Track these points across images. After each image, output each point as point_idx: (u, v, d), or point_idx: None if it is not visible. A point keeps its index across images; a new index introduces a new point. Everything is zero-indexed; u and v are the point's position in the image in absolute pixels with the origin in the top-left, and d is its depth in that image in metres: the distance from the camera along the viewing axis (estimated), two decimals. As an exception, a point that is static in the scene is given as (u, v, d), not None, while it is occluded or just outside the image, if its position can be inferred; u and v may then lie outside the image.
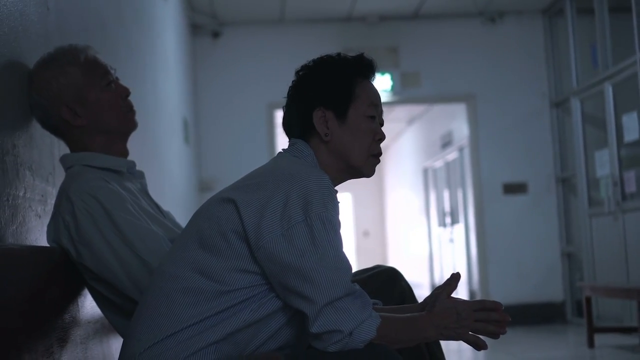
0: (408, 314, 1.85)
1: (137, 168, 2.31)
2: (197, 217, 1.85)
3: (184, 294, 1.75)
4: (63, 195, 2.08)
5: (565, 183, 8.19)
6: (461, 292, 11.17)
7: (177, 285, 1.76)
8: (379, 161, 1.97)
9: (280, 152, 1.94)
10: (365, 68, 1.95)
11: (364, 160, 1.92)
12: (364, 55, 1.96)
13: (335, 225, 1.76)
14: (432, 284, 13.47)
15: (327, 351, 1.70)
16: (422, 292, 13.45)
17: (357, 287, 1.76)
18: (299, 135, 1.93)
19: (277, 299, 1.76)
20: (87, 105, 2.16)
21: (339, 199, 1.81)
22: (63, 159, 2.20)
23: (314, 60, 1.96)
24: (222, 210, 1.78)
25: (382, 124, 1.96)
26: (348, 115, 1.90)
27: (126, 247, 2.02)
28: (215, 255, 1.75)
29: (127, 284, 2.03)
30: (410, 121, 13.82)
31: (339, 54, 1.97)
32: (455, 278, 1.90)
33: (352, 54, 1.98)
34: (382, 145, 1.98)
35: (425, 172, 13.38)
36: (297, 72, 1.97)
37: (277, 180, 1.77)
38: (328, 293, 1.69)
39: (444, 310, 1.80)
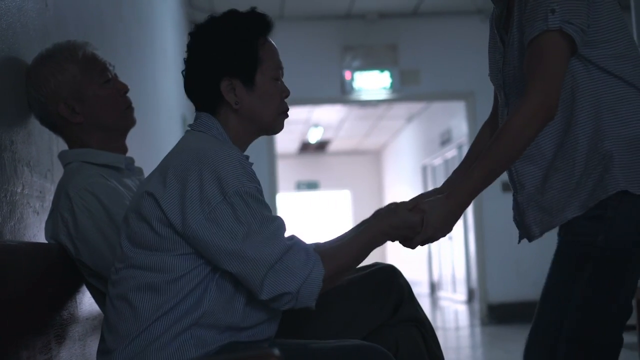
0: (363, 231, 1.91)
1: (136, 165, 2.31)
2: (127, 217, 1.84)
3: (140, 292, 1.76)
4: (61, 192, 2.07)
5: (564, 181, 8.19)
6: (460, 291, 11.18)
7: (130, 285, 1.77)
8: (287, 116, 1.97)
9: (187, 130, 1.93)
10: (264, 25, 1.93)
11: (274, 120, 1.93)
12: (258, 11, 1.94)
13: (255, 194, 1.76)
14: (431, 282, 13.48)
15: (282, 310, 1.76)
16: (421, 290, 13.45)
17: (294, 239, 1.78)
18: (206, 106, 1.91)
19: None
20: (85, 102, 2.15)
21: (249, 164, 1.80)
22: (61, 156, 2.20)
23: (209, 23, 1.91)
24: (146, 206, 1.77)
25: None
26: (255, 81, 1.89)
27: None
28: (153, 249, 1.76)
29: None
30: (409, 118, 13.82)
31: (232, 12, 1.92)
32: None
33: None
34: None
35: (424, 169, 13.38)
36: (191, 34, 1.92)
37: (187, 164, 1.76)
38: (263, 263, 1.71)
39: (399, 226, 1.92)
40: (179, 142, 1.91)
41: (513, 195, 2.07)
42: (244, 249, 1.71)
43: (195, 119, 1.93)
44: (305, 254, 1.75)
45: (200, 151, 1.77)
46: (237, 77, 1.88)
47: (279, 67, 1.94)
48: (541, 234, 2.01)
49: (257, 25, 1.92)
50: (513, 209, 2.09)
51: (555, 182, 1.94)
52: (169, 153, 1.87)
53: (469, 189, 1.92)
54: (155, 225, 1.75)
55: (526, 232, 2.04)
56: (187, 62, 1.92)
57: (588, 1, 1.88)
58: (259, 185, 1.78)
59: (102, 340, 1.83)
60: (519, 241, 2.11)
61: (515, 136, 1.89)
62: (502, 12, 2.11)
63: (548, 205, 1.96)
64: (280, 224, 1.78)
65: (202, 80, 1.90)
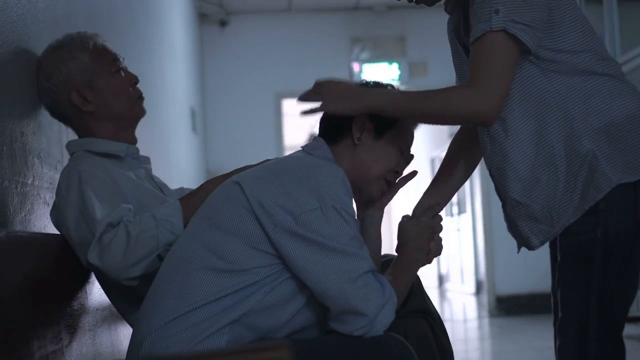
0: (395, 264, 1.94)
1: (144, 154, 2.32)
2: (209, 202, 1.86)
3: (196, 275, 1.75)
4: (61, 179, 2.08)
5: (573, 173, 8.16)
6: (468, 283, 11.18)
7: (189, 267, 1.77)
8: (386, 188, 2.03)
9: (298, 150, 1.98)
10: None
11: (373, 181, 1.97)
12: None
13: (351, 212, 1.78)
14: (439, 274, 13.48)
15: (352, 335, 1.72)
16: (429, 282, 13.45)
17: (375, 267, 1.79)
18: (331, 134, 1.96)
19: (291, 280, 1.76)
20: (97, 90, 2.16)
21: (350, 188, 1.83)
22: (68, 145, 2.20)
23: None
24: (233, 192, 1.79)
25: (405, 164, 2.05)
26: (385, 136, 1.96)
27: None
28: (228, 233, 1.76)
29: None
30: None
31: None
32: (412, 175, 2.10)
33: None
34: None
35: (433, 162, 13.36)
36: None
37: (289, 170, 1.79)
38: (348, 273, 1.72)
39: (418, 234, 1.94)
40: (286, 156, 1.97)
41: (502, 207, 2.06)
42: (334, 245, 1.72)
43: (308, 141, 1.99)
44: (381, 284, 1.77)
45: (305, 163, 1.83)
46: (372, 120, 1.94)
47: (408, 147, 2.02)
48: (541, 244, 1.98)
49: None
50: (505, 220, 2.08)
51: (540, 192, 1.91)
52: (270, 161, 1.94)
53: (390, 98, 1.91)
54: (240, 210, 1.76)
55: (525, 242, 2.02)
56: None
57: None
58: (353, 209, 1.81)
59: (147, 308, 1.82)
60: (518, 250, 2.08)
61: (447, 104, 1.85)
62: (460, 21, 2.08)
63: (540, 215, 1.93)
64: (367, 251, 1.79)
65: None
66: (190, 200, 2.02)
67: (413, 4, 2.10)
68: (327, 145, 1.95)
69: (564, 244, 1.93)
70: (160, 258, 1.92)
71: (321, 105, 1.91)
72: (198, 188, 2.07)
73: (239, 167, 2.11)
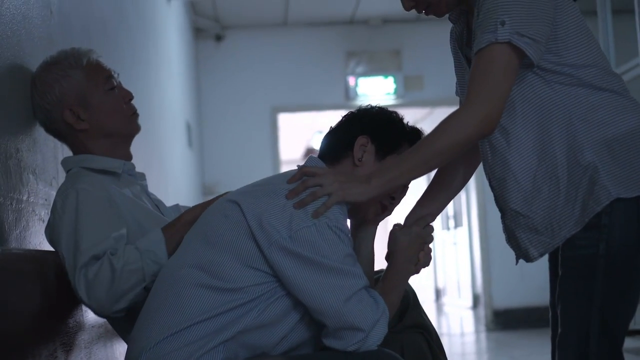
0: (386, 275, 1.94)
1: (140, 171, 2.31)
2: (204, 219, 1.86)
3: (189, 292, 1.75)
4: (57, 197, 2.07)
5: (569, 186, 8.16)
6: (465, 297, 11.17)
7: (181, 285, 1.76)
8: (380, 213, 2.04)
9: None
10: (418, 138, 2.02)
11: (371, 203, 1.95)
12: (421, 131, 2.06)
13: (346, 231, 1.78)
14: (436, 288, 13.46)
15: (346, 351, 1.72)
16: (426, 296, 13.44)
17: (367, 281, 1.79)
18: (332, 152, 1.97)
19: (285, 299, 1.76)
20: (90, 108, 2.15)
21: (346, 208, 1.83)
22: (64, 162, 2.20)
23: (380, 110, 2.05)
24: (229, 210, 1.79)
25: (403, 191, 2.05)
26: (386, 159, 1.96)
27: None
28: (223, 251, 1.75)
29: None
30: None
31: (402, 119, 2.06)
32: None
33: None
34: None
35: (429, 176, 13.37)
36: (360, 110, 2.05)
37: (284, 188, 1.79)
38: (344, 291, 1.72)
39: (409, 244, 1.95)
40: (280, 173, 1.96)
41: (501, 218, 2.07)
42: (330, 264, 1.72)
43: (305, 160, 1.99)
44: (374, 299, 1.77)
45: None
46: (374, 142, 1.95)
47: (402, 187, 2.02)
48: (540, 255, 1.98)
49: (414, 136, 2.03)
50: (503, 231, 2.08)
51: (541, 203, 1.91)
52: (265, 178, 1.93)
53: (388, 173, 1.86)
54: (235, 229, 1.76)
55: (523, 254, 2.01)
56: (343, 120, 2.03)
57: (548, 10, 1.83)
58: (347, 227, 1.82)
59: (141, 325, 1.81)
60: (517, 262, 2.08)
61: (447, 134, 1.82)
62: (463, 31, 2.09)
63: (540, 226, 1.93)
64: (360, 268, 1.79)
65: (344, 130, 1.98)
66: (172, 229, 2.01)
67: (411, 16, 2.10)
68: (327, 164, 1.95)
69: (566, 258, 1.92)
70: (147, 289, 1.92)
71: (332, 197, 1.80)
72: (177, 218, 2.06)
73: (234, 179, 2.10)
